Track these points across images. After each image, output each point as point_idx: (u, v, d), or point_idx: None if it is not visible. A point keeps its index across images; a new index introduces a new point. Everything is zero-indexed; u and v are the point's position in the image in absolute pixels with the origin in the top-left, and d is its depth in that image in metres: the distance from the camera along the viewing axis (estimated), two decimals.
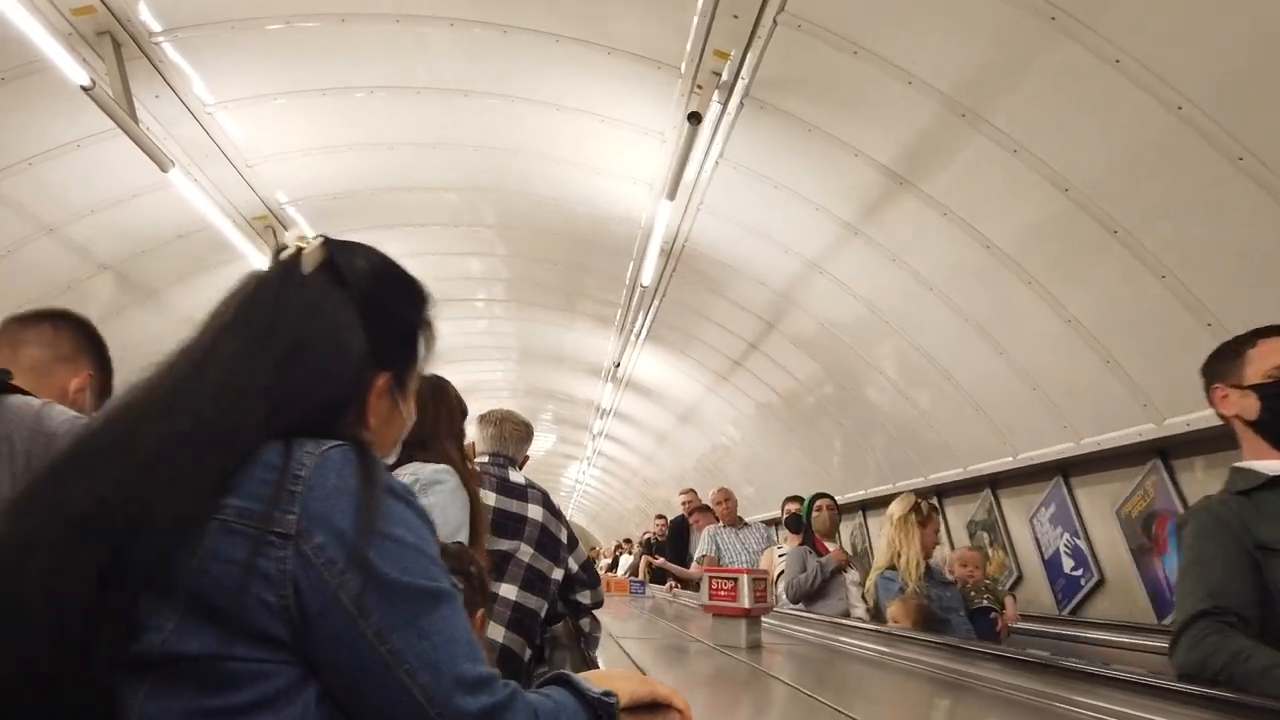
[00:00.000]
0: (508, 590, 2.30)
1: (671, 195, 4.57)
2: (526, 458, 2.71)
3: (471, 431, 2.52)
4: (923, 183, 4.26)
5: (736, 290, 6.54)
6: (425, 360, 1.02)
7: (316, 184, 5.57)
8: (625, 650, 2.67)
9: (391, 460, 1.08)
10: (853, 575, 4.34)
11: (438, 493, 1.88)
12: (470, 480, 2.02)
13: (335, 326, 0.90)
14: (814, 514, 4.71)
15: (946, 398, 5.50)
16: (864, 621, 3.71)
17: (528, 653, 2.37)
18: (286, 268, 0.93)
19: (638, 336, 8.16)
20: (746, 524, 5.97)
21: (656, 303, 7.29)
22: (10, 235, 4.74)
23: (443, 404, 2.11)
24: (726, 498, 6.05)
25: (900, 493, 4.16)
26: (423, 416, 1.50)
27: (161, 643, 0.71)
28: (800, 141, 4.43)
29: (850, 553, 4.94)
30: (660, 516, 9.22)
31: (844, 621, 3.50)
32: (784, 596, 4.27)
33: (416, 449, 1.96)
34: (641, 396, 10.78)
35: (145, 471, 0.75)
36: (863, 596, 4.07)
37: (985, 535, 6.23)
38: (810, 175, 4.74)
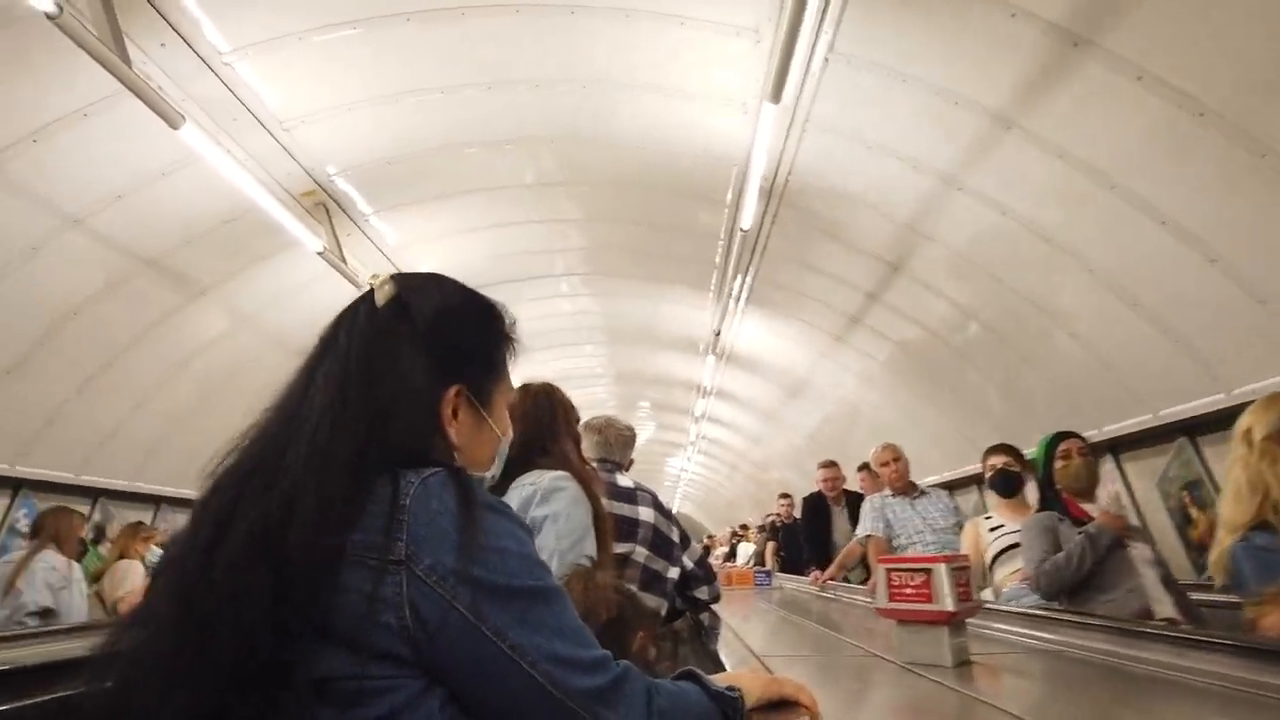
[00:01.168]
0: None
1: (776, 97, 3.66)
2: (632, 461, 2.73)
3: None
4: (1109, 39, 3.24)
5: (852, 228, 5.58)
6: (505, 373, 1.07)
7: (364, 148, 4.94)
8: (772, 670, 1.86)
9: (493, 473, 1.09)
10: (1142, 550, 2.84)
11: (559, 499, 1.90)
12: (591, 483, 2.02)
13: (398, 355, 0.95)
14: (1058, 464, 3.13)
15: (1129, 328, 4.41)
16: (1181, 625, 2.56)
17: (652, 652, 2.23)
18: (361, 307, 1.00)
19: (737, 301, 7.29)
20: (923, 491, 4.59)
21: (757, 258, 6.40)
22: (31, 229, 4.21)
23: (558, 408, 2.14)
24: (895, 457, 4.58)
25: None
26: (540, 423, 1.97)
27: (310, 666, 0.78)
28: (933, 5, 3.49)
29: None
30: (785, 496, 8.26)
31: (1151, 628, 2.10)
32: (1028, 589, 3.02)
33: (538, 456, 2.00)
34: (745, 371, 9.89)
35: (281, 526, 0.82)
36: (1207, 578, 2.88)
37: (1185, 495, 5.10)
38: (945, 56, 3.76)
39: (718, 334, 7.97)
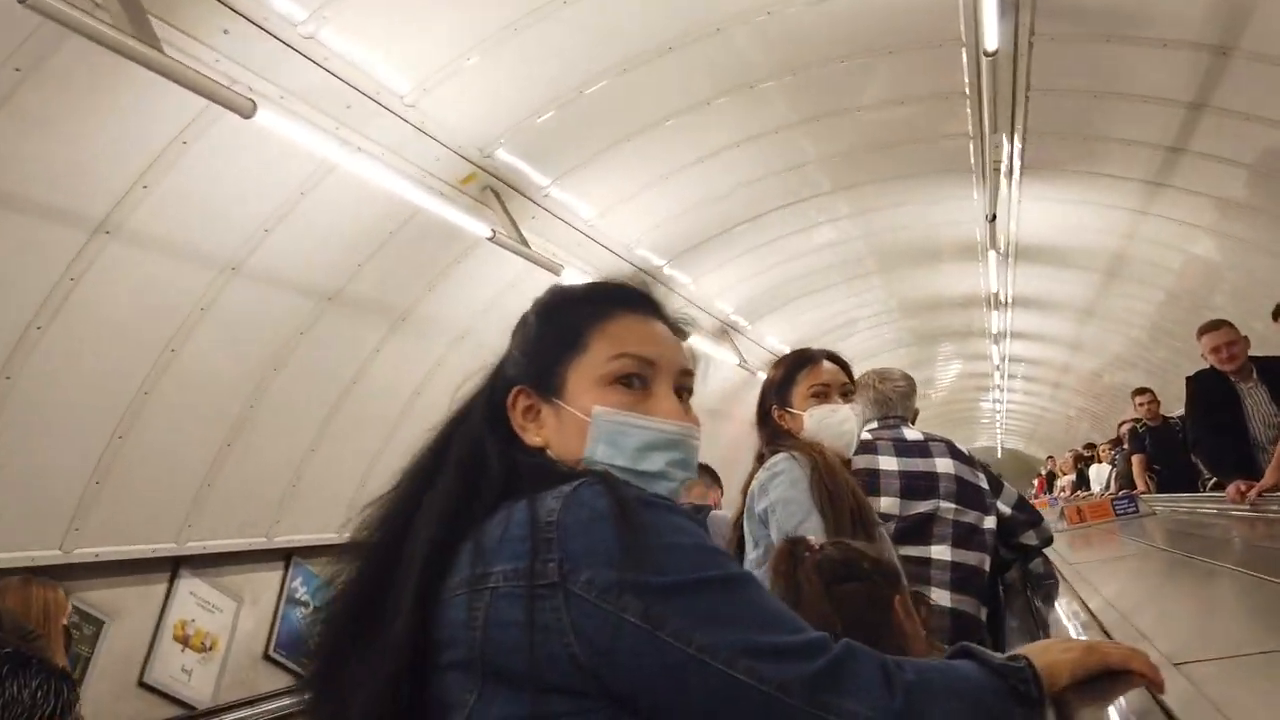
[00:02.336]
0: (940, 552, 2.14)
1: None
2: (917, 411, 2.58)
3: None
4: None
5: (1150, 9, 4.12)
6: (584, 349, 0.94)
7: (512, 107, 4.32)
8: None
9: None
10: None
11: (777, 486, 1.82)
12: (820, 454, 1.85)
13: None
14: None
15: None
16: None
17: (983, 611, 2.18)
18: None
19: (1009, 174, 5.94)
20: None
21: (1020, 101, 5.07)
22: (190, 287, 3.72)
23: (767, 396, 2.06)
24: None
25: None
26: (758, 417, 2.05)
27: (468, 715, 0.75)
28: None
29: None
30: (1142, 391, 6.60)
31: None
32: None
33: (785, 438, 1.96)
34: (1041, 264, 8.25)
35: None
36: None
37: None
38: None
39: (992, 219, 6.48)
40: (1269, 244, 5.84)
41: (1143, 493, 5.23)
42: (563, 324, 0.97)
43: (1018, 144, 5.55)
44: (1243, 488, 3.43)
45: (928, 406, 14.36)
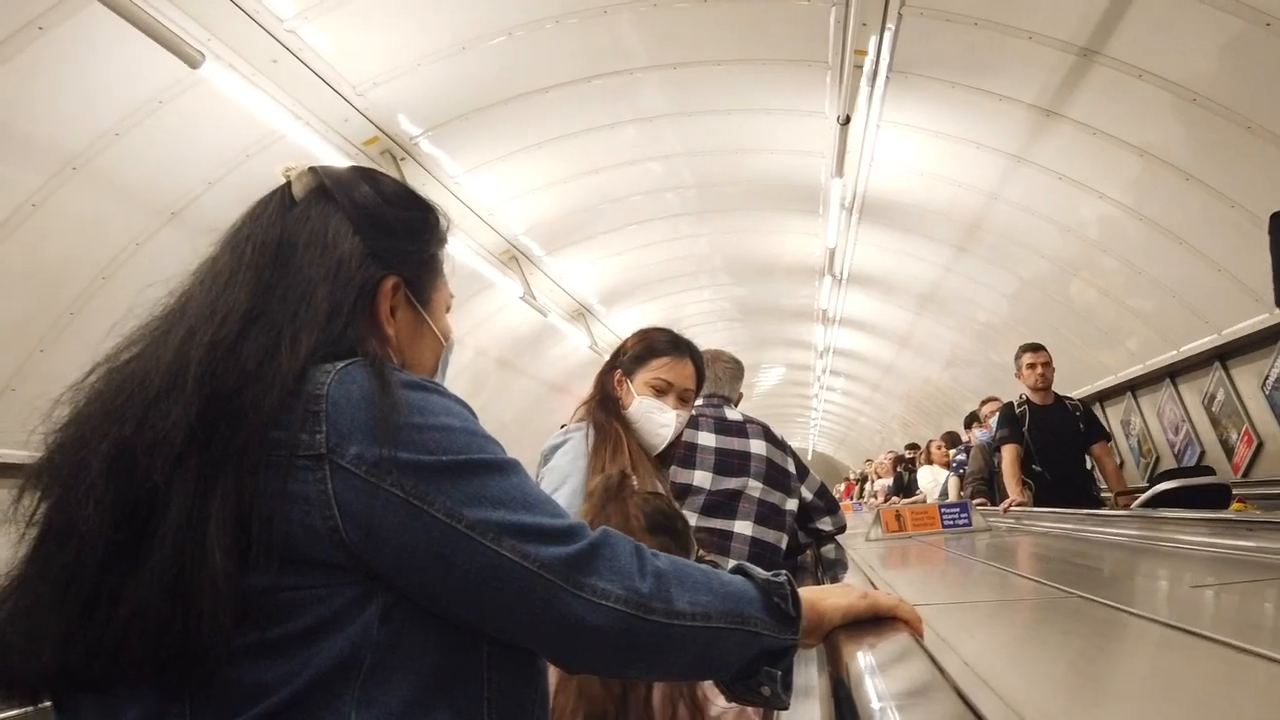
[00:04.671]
0: (743, 527, 2.28)
1: None
2: (741, 395, 2.64)
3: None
4: None
5: None
6: (443, 275, 0.96)
7: (543, 214, 4.95)
8: None
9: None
10: None
11: (560, 454, 1.84)
12: (618, 441, 1.85)
13: (324, 233, 0.85)
14: None
15: None
16: None
17: None
18: (276, 197, 0.89)
19: (873, 77, 4.56)
20: None
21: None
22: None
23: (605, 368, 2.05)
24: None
25: None
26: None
27: (222, 582, 0.70)
28: None
29: None
30: (1033, 348, 4.49)
31: None
32: None
33: (608, 405, 1.95)
34: (869, 289, 9.05)
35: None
36: None
37: None
38: None
39: (846, 122, 4.90)
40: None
41: (1017, 504, 4.05)
42: (438, 241, 0.95)
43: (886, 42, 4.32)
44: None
45: (750, 398, 14.69)
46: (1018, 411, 4.43)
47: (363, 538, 0.71)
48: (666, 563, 0.81)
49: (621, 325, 9.29)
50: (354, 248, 0.85)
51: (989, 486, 4.84)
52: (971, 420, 6.30)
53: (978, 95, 4.86)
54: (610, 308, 9.15)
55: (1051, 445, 4.30)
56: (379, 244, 0.87)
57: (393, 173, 4.22)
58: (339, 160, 4.24)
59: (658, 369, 1.93)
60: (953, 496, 5.60)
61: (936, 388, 11.62)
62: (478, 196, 5.93)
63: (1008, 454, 4.31)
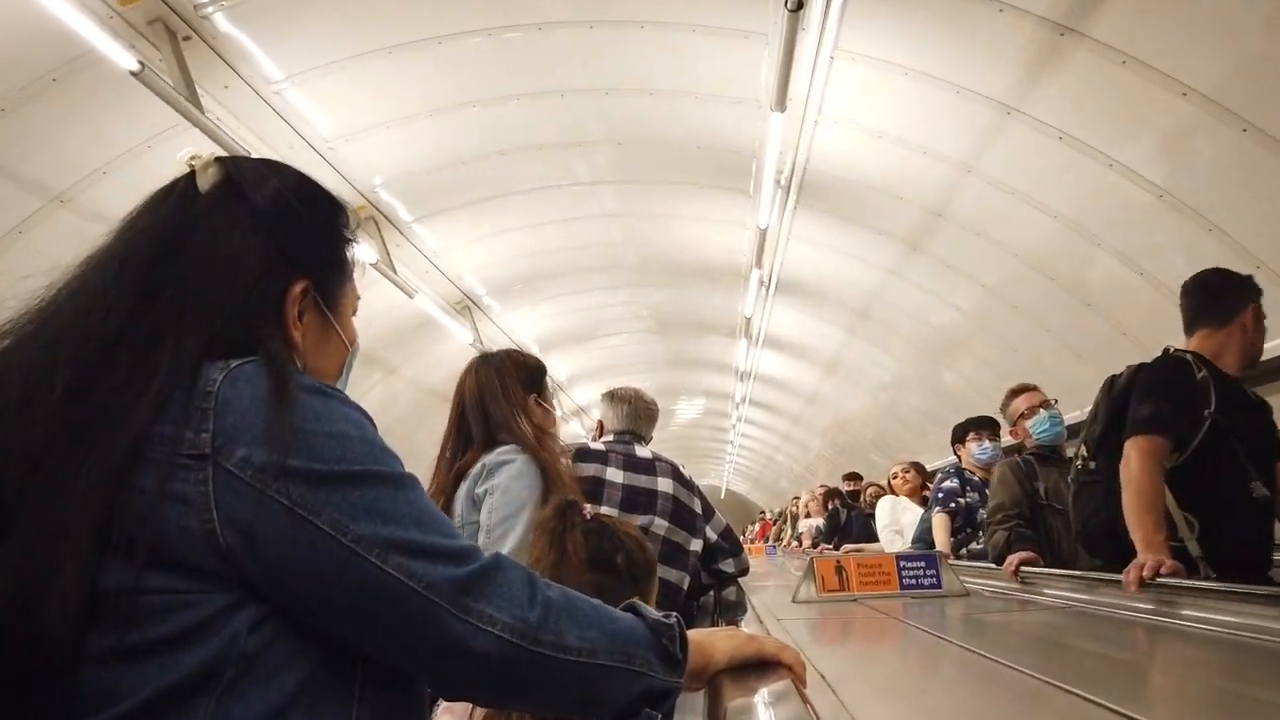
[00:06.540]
0: None
1: None
2: (650, 438, 2.67)
3: (600, 411, 2.63)
4: None
5: None
6: (351, 277, 0.92)
7: (406, 161, 5.02)
8: None
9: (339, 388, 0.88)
10: None
11: (502, 473, 1.88)
12: (543, 453, 1.94)
13: (229, 230, 0.81)
14: None
15: None
16: None
17: None
18: (179, 187, 0.84)
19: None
20: None
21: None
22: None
23: (507, 380, 2.04)
24: None
25: None
26: (494, 399, 1.95)
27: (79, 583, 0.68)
28: None
29: None
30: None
31: None
32: None
33: (500, 432, 1.96)
34: (801, 299, 8.07)
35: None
36: None
37: None
38: None
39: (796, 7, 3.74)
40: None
41: (1166, 571, 1.89)
42: (345, 241, 0.92)
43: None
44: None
45: (666, 427, 14.18)
46: (1198, 376, 2.18)
47: (240, 545, 0.68)
48: (558, 594, 0.80)
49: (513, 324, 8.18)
50: (262, 249, 0.81)
51: (1034, 529, 2.93)
52: (964, 433, 3.99)
53: (971, 5, 3.66)
54: (503, 301, 7.87)
55: (1260, 453, 2.18)
56: (289, 245, 0.84)
57: None
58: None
59: (546, 403, 2.10)
60: (941, 544, 3.57)
61: (864, 422, 10.89)
62: (304, 115, 4.68)
63: (1138, 456, 2.08)
